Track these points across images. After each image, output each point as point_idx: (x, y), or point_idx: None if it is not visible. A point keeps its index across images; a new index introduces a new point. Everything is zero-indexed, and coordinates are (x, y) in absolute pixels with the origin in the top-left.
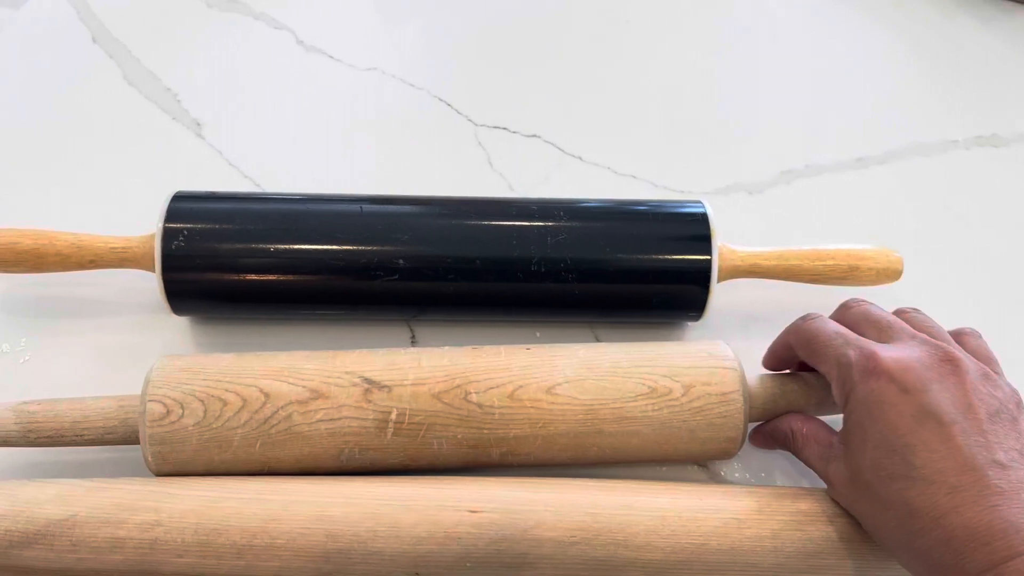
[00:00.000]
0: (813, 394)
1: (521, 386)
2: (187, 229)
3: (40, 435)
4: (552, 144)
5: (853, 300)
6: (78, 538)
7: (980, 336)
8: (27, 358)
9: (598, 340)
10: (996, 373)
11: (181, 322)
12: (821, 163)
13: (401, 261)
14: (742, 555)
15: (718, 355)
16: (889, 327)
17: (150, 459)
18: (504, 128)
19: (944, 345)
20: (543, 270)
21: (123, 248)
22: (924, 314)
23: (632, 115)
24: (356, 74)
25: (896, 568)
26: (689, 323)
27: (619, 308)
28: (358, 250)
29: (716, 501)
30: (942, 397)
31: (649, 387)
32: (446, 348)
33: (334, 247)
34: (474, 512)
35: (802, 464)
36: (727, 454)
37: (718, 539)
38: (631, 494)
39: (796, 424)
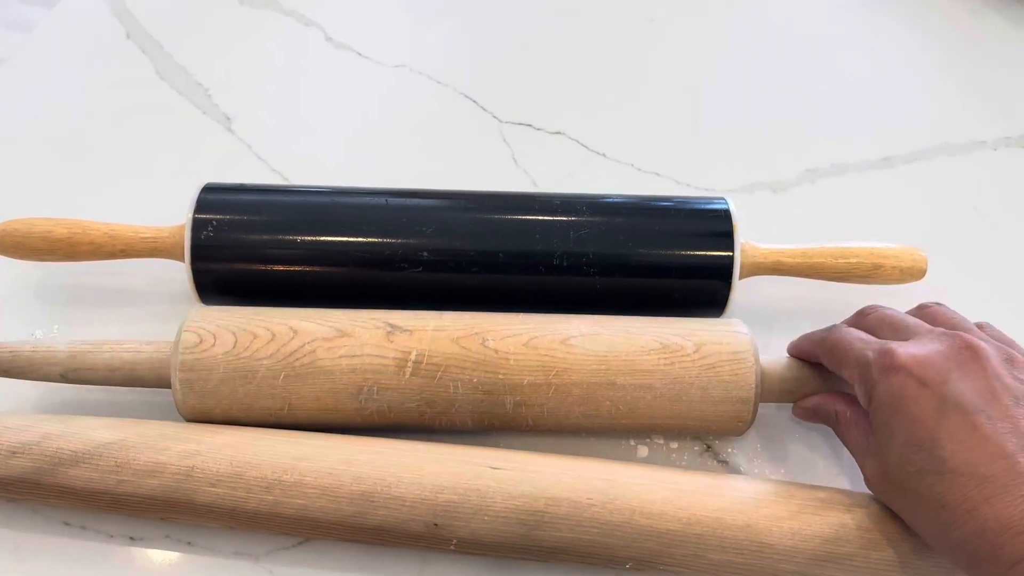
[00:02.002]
0: (826, 379)
1: (537, 336)
2: (216, 220)
3: (82, 366)
4: (576, 141)
5: (869, 307)
6: (123, 460)
7: (993, 327)
8: None
9: None
10: (1020, 354)
11: None
12: (846, 162)
13: (425, 254)
14: (758, 534)
15: (729, 324)
16: (907, 327)
17: (178, 387)
18: (528, 125)
19: (963, 334)
20: (565, 264)
21: (153, 238)
22: (946, 307)
23: (656, 113)
24: (384, 71)
25: (920, 565)
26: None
27: (641, 303)
28: (383, 242)
29: (733, 482)
30: (963, 386)
31: (661, 343)
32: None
33: (359, 239)
34: (495, 468)
35: (819, 468)
36: (739, 420)
37: (733, 515)
38: (648, 469)
39: (841, 406)
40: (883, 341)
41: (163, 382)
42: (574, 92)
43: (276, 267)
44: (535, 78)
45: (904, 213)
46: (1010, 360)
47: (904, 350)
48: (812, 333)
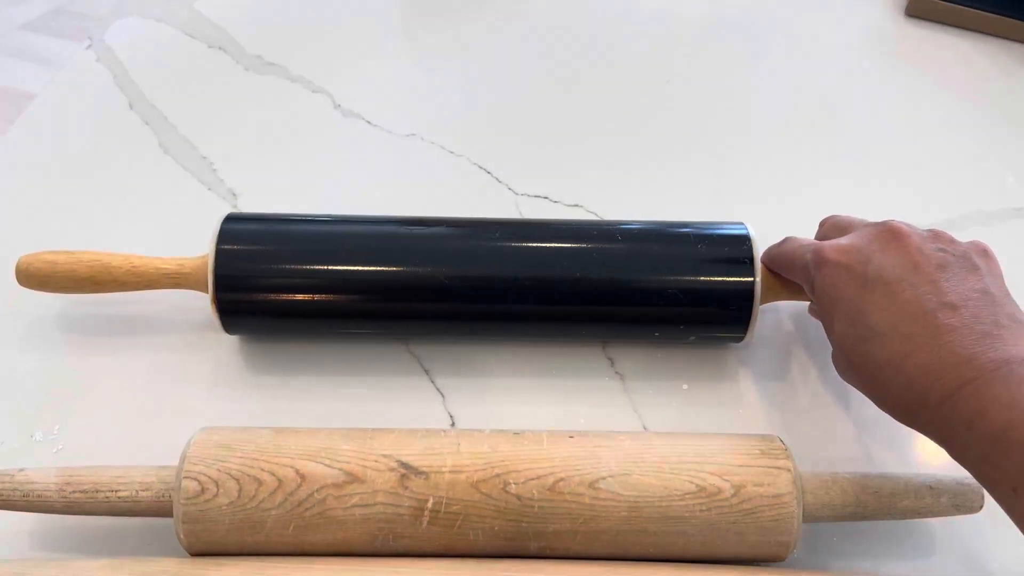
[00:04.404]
0: (873, 499)
1: (563, 479)
2: (238, 250)
3: (77, 489)
4: (594, 214)
5: (826, 217)
6: None
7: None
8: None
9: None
10: (949, 235)
11: (232, 340)
12: None
13: (446, 280)
14: None
15: (771, 453)
16: (849, 225)
17: (183, 537)
18: (545, 197)
19: (888, 221)
20: (589, 290)
21: (176, 271)
22: None
23: (676, 184)
24: (395, 140)
25: None
26: (733, 344)
27: (663, 328)
28: (403, 270)
29: (767, 574)
30: (885, 262)
31: (697, 486)
32: (487, 432)
33: (380, 267)
34: None
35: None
36: (778, 557)
37: None
38: (679, 569)
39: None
40: (817, 242)
41: (165, 511)
42: (591, 163)
43: (297, 296)
44: (551, 148)
45: None
46: (935, 236)
47: (831, 244)
48: (768, 248)
